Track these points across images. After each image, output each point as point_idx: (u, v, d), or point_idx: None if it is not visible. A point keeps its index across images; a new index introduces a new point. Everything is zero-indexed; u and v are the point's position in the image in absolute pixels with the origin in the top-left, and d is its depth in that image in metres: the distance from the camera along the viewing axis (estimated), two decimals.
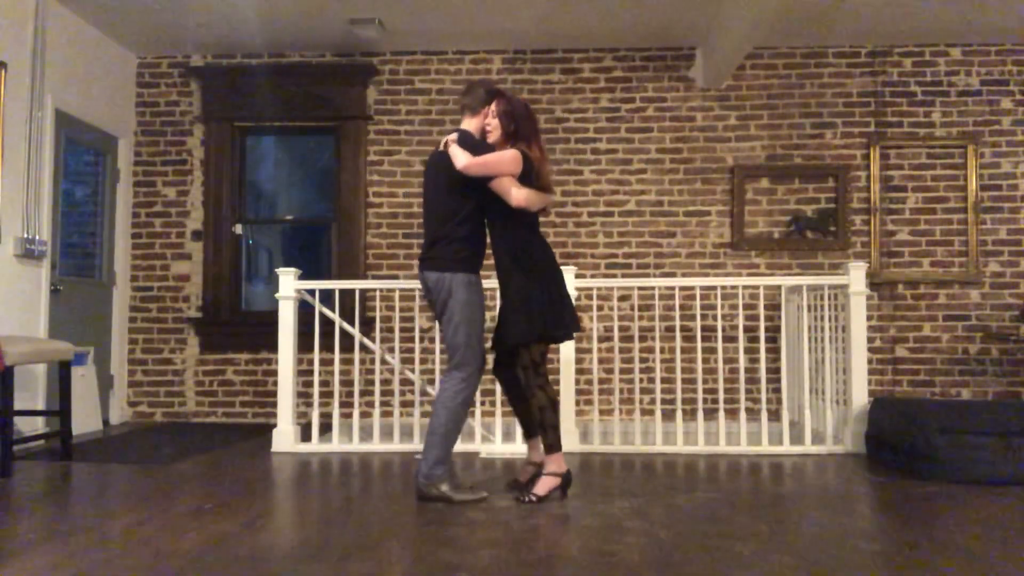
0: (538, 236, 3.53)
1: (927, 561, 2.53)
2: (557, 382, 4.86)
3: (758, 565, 2.47)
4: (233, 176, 6.30)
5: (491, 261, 3.51)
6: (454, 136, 3.48)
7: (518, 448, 4.59)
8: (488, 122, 3.53)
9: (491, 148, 3.53)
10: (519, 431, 4.60)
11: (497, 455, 4.54)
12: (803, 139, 6.08)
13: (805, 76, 6.11)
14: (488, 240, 3.55)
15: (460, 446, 4.69)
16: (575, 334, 3.60)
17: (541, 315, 3.35)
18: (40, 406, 5.06)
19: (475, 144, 3.48)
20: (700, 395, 4.78)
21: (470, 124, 3.59)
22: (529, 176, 3.42)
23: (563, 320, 3.44)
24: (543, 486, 3.38)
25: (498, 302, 3.60)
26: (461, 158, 3.34)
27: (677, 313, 4.87)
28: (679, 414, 4.77)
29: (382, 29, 5.72)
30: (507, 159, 3.38)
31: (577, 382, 5.05)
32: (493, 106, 3.53)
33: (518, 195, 3.35)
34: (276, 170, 6.87)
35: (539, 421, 3.38)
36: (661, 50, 6.16)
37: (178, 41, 6.07)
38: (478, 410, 4.71)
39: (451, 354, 3.46)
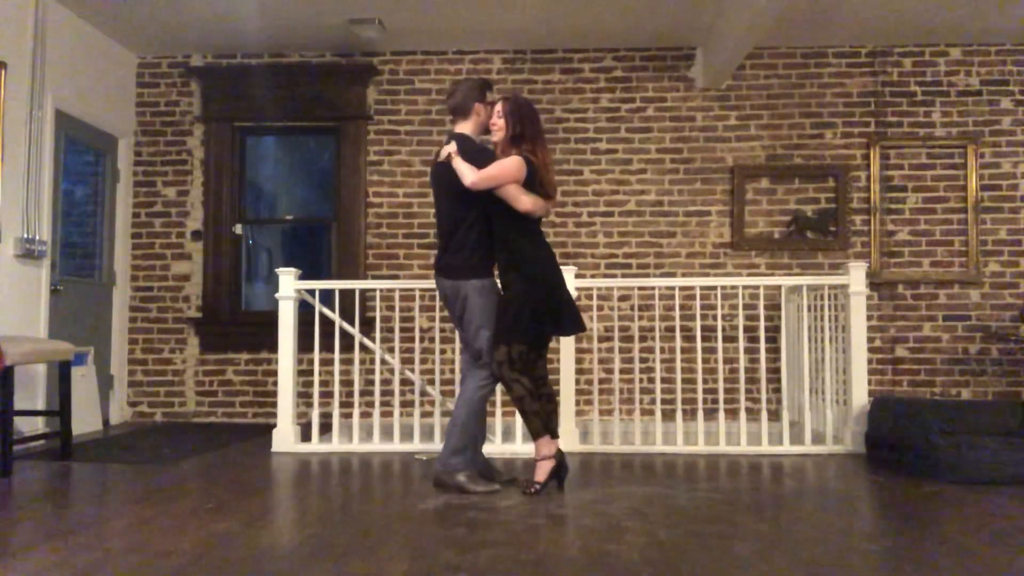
0: (540, 239, 3.59)
1: (927, 561, 2.53)
2: (557, 382, 4.87)
3: (758, 565, 2.47)
4: (233, 176, 6.30)
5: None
6: (454, 147, 3.48)
7: (518, 448, 4.59)
8: (494, 121, 3.55)
9: (490, 153, 3.55)
10: (519, 431, 4.61)
11: (496, 455, 4.53)
12: (803, 139, 6.08)
13: (805, 76, 6.10)
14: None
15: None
16: (577, 335, 3.76)
17: (534, 320, 3.45)
18: (40, 406, 5.06)
19: (475, 151, 3.50)
20: (700, 395, 4.79)
21: (464, 127, 3.60)
22: (532, 181, 3.46)
23: (560, 322, 3.55)
24: (541, 472, 3.50)
25: None
26: (468, 175, 3.38)
27: (677, 313, 4.87)
28: (679, 414, 4.77)
29: (382, 29, 5.72)
30: (512, 168, 3.42)
31: (577, 382, 5.04)
32: (499, 106, 3.54)
33: (525, 202, 3.43)
34: (276, 170, 6.87)
35: (520, 410, 3.50)
36: (661, 50, 6.15)
37: (178, 41, 6.07)
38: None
39: (474, 356, 3.58)
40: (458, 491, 3.45)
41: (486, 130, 3.62)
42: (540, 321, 3.47)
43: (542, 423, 3.49)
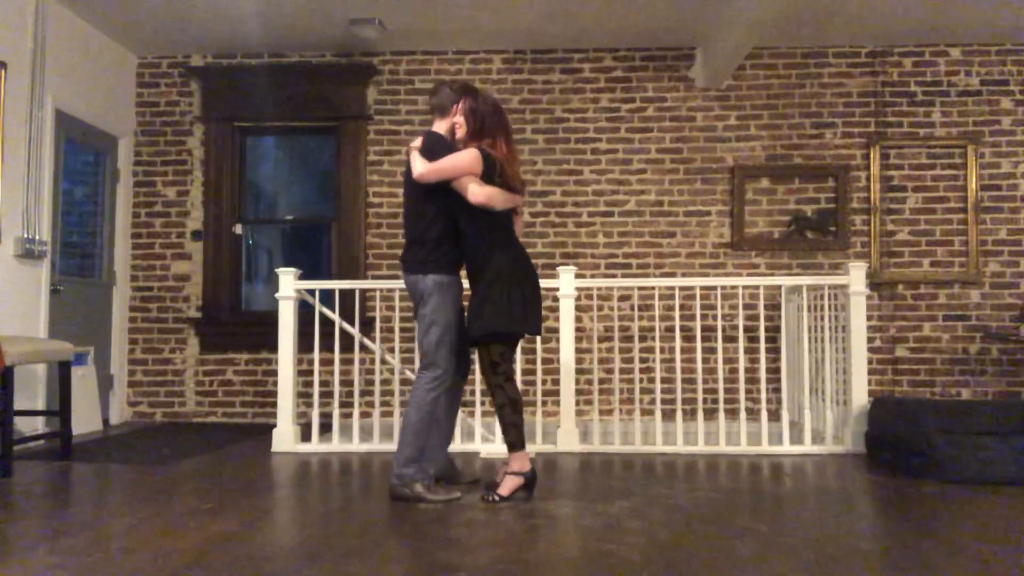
0: (508, 235, 3.48)
1: (927, 561, 2.53)
2: (557, 382, 4.87)
3: (758, 565, 2.47)
4: (233, 176, 6.30)
5: None
6: (417, 143, 3.49)
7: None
8: (456, 120, 3.52)
9: (457, 149, 3.49)
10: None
11: (497, 455, 4.53)
12: (803, 139, 6.08)
13: (805, 76, 6.11)
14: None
15: (460, 446, 4.71)
16: (536, 335, 3.60)
17: (503, 315, 3.32)
18: (40, 406, 5.06)
19: (440, 147, 3.46)
20: (700, 395, 4.78)
21: (440, 126, 3.59)
22: (492, 175, 3.39)
23: (526, 320, 3.40)
24: (507, 486, 3.37)
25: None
26: (418, 167, 3.39)
27: (677, 313, 4.87)
28: (679, 414, 4.77)
29: (382, 29, 5.72)
30: (463, 160, 3.36)
31: (577, 382, 5.05)
32: (460, 103, 3.52)
33: (476, 193, 3.32)
34: (276, 170, 6.86)
35: (500, 419, 3.38)
36: (661, 50, 6.16)
37: (178, 41, 6.07)
38: (478, 410, 4.71)
39: (421, 354, 3.49)
40: (416, 501, 3.32)
41: (453, 134, 3.59)
42: (516, 318, 3.36)
43: (520, 436, 3.38)
